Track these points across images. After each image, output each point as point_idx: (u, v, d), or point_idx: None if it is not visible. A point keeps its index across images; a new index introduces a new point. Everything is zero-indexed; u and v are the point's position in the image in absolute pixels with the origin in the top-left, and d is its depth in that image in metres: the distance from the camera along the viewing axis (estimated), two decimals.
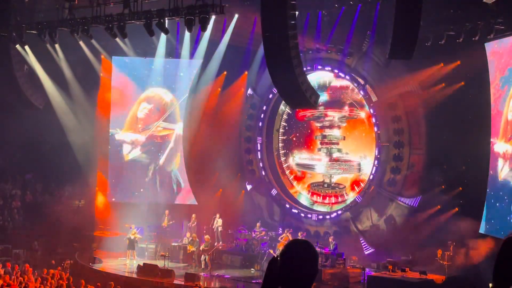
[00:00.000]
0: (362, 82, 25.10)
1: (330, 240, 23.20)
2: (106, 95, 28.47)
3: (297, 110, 26.88)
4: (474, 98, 21.85)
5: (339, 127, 26.76)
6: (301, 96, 17.51)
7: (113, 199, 28.23)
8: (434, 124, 23.00)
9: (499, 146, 20.60)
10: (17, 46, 24.95)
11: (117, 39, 24.77)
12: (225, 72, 27.70)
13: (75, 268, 23.78)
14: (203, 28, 20.08)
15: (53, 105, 28.00)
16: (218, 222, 25.73)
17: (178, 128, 28.54)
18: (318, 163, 27.43)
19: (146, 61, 28.20)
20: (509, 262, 3.38)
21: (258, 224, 25.36)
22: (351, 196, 26.26)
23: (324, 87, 26.92)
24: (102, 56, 27.96)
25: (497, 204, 20.42)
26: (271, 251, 23.08)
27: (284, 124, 28.61)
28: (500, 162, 20.45)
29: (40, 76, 27.34)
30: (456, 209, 22.12)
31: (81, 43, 25.87)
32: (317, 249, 20.26)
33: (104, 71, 28.35)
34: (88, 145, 28.04)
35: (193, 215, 26.12)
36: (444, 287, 19.03)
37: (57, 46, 25.93)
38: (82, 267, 23.68)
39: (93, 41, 25.76)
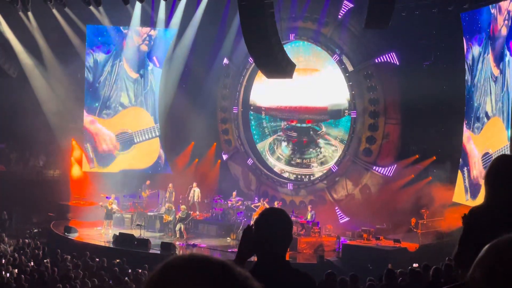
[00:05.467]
0: (338, 51, 25.05)
1: (308, 209, 23.33)
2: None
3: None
4: (448, 68, 21.99)
5: None
6: (277, 66, 17.45)
7: (89, 169, 28.06)
8: (409, 94, 23.10)
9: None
10: None
11: (91, 7, 24.50)
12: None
13: (50, 238, 23.74)
14: None
15: (27, 74, 27.62)
16: (196, 192, 25.74)
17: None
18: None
19: (120, 30, 27.85)
20: (474, 231, 3.44)
21: (234, 193, 25.42)
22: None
23: None
24: None
25: (470, 173, 20.68)
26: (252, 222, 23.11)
27: None
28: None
29: (13, 44, 26.92)
30: (430, 178, 22.37)
31: (54, 11, 25.50)
32: (293, 218, 20.54)
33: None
34: (62, 114, 27.77)
35: (170, 185, 26.07)
36: (417, 255, 19.29)
37: (30, 14, 25.55)
38: (57, 237, 23.63)
39: (67, 9, 25.40)
